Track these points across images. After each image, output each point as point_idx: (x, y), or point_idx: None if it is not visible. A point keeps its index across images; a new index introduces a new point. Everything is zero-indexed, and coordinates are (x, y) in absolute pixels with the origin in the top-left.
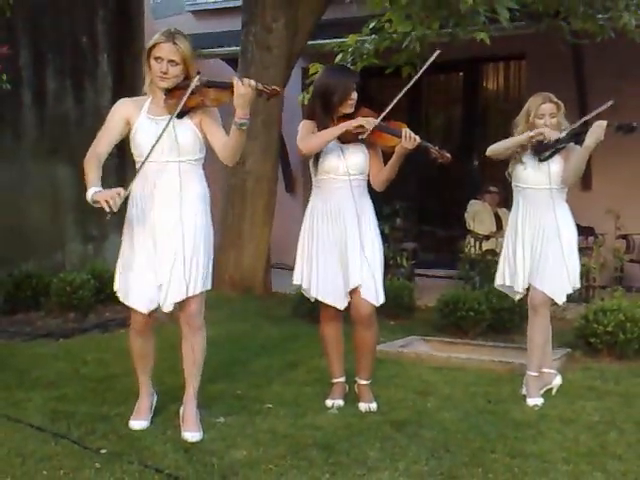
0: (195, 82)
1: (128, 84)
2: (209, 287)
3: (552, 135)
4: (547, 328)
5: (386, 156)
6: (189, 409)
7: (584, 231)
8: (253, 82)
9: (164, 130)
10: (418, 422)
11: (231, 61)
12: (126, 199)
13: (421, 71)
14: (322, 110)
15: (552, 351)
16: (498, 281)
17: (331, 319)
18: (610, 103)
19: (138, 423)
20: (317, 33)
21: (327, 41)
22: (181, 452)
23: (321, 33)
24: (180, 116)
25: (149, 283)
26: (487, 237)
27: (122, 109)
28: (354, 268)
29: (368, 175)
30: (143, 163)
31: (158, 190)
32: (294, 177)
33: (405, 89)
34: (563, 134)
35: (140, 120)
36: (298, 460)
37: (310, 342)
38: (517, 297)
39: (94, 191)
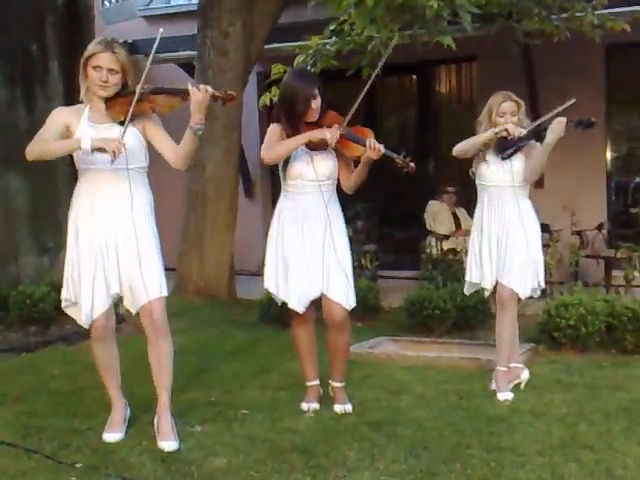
0: (139, 89)
1: (79, 91)
2: (166, 292)
3: (516, 131)
4: (515, 323)
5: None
6: (164, 418)
7: (540, 228)
8: (209, 88)
9: (123, 135)
10: (394, 421)
11: (185, 66)
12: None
13: (376, 70)
14: (285, 116)
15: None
16: (467, 278)
17: (302, 322)
18: (572, 102)
19: (112, 436)
20: (275, 36)
21: (287, 44)
22: (159, 462)
23: (279, 37)
24: (124, 123)
25: (100, 288)
26: (447, 237)
27: (62, 115)
28: (327, 273)
29: (338, 179)
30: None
31: (106, 198)
32: (253, 182)
33: (364, 90)
34: (524, 132)
35: (81, 127)
36: (279, 464)
37: (280, 347)
38: (486, 294)
39: (88, 138)
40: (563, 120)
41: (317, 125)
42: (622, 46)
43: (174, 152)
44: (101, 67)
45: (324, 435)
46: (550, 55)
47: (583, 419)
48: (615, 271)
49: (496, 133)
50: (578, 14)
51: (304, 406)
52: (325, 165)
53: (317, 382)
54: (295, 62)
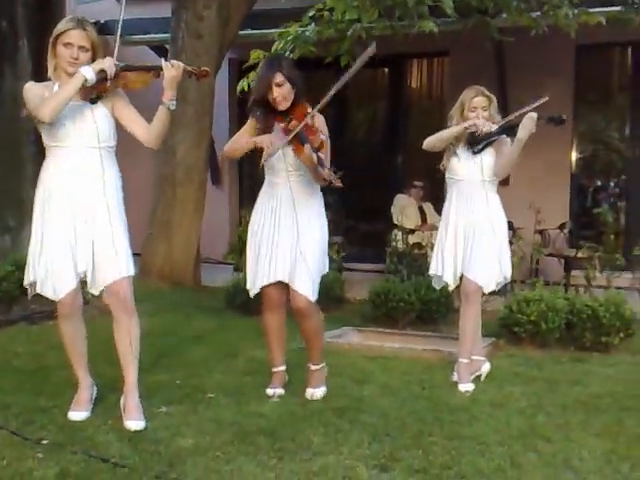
0: (113, 66)
1: (47, 70)
2: (133, 272)
3: (485, 126)
4: (478, 316)
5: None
6: (131, 397)
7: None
8: (182, 64)
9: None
10: (358, 408)
11: (157, 49)
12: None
13: (356, 67)
14: (253, 103)
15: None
16: (431, 271)
17: (271, 308)
18: (545, 99)
19: (78, 414)
20: (253, 22)
21: (264, 31)
22: (125, 441)
23: (256, 23)
24: (94, 102)
25: (67, 266)
26: (413, 231)
27: (37, 87)
28: (292, 263)
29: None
30: None
31: (78, 176)
32: (220, 169)
33: (338, 85)
34: (495, 127)
35: None
36: (245, 446)
37: (246, 333)
38: (451, 287)
39: (87, 68)
40: (534, 116)
41: (287, 114)
42: (592, 47)
43: (146, 130)
44: (72, 44)
45: (290, 419)
46: (522, 53)
47: (541, 411)
48: (575, 271)
49: (466, 128)
50: (555, 10)
51: (269, 391)
52: (294, 157)
53: (283, 368)
54: (273, 48)
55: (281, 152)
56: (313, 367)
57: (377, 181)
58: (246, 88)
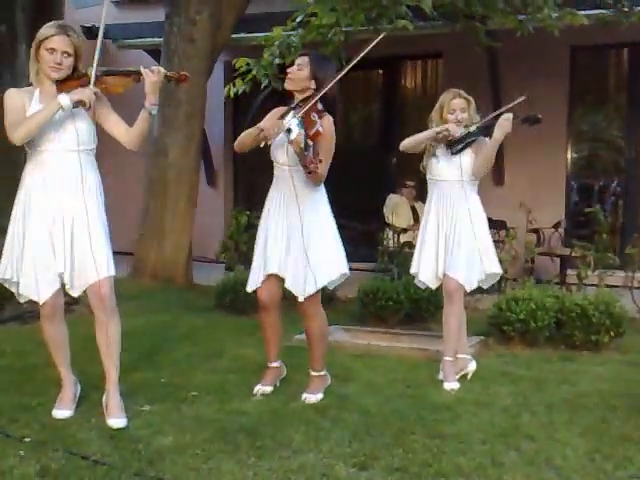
0: (94, 71)
1: None
2: (114, 272)
3: (457, 131)
4: (461, 314)
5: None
6: (112, 396)
7: (497, 225)
8: (162, 69)
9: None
10: (340, 407)
11: (152, 52)
12: None
13: (362, 53)
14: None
15: (467, 338)
16: (413, 270)
17: (266, 306)
18: (522, 98)
19: (61, 412)
20: (245, 26)
21: (253, 35)
22: (106, 439)
23: (248, 27)
24: (75, 105)
25: (47, 269)
26: (405, 230)
27: (18, 96)
28: (287, 259)
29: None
30: None
31: (58, 179)
32: (216, 170)
33: (344, 72)
34: (473, 127)
35: (33, 108)
36: (225, 444)
37: (234, 332)
38: (434, 286)
39: (64, 97)
40: (510, 116)
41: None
42: (587, 48)
43: (126, 132)
44: (55, 49)
45: (271, 418)
46: (515, 54)
47: (526, 410)
48: (570, 269)
49: (437, 133)
50: (538, 11)
51: (255, 389)
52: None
53: (277, 364)
54: (264, 55)
55: (285, 146)
56: (313, 373)
57: (370, 181)
58: (232, 95)
